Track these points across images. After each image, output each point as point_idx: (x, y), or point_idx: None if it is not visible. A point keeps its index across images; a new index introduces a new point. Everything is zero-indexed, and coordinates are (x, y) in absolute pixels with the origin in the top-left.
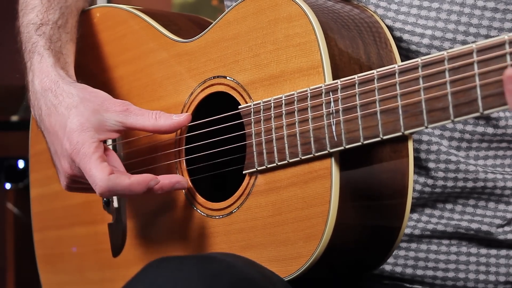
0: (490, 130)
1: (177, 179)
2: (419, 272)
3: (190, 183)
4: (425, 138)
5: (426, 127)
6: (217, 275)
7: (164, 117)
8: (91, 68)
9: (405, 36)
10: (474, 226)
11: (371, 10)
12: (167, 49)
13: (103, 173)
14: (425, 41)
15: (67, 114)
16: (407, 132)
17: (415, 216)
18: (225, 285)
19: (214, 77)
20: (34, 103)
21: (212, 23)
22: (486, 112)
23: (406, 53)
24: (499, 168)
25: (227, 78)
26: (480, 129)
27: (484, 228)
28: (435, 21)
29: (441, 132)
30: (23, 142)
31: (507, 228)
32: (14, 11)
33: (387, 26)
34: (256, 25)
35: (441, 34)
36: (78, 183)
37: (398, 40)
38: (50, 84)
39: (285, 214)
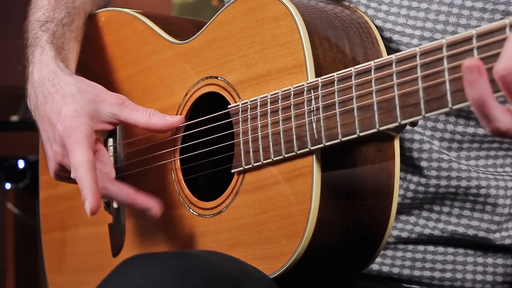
0: (480, 131)
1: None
2: (417, 272)
3: (183, 183)
4: (417, 137)
5: (400, 123)
6: (189, 269)
7: (158, 117)
8: (96, 70)
9: (395, 37)
10: (471, 232)
11: (361, 11)
12: (164, 51)
13: (84, 156)
14: (415, 41)
15: (63, 102)
16: (382, 128)
17: (412, 219)
18: (197, 279)
19: (207, 78)
20: (31, 93)
21: (206, 24)
22: (455, 107)
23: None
24: (491, 169)
25: (219, 78)
26: (470, 129)
27: (481, 234)
28: (424, 21)
29: (432, 133)
30: (23, 142)
31: (504, 233)
32: (15, 13)
33: (377, 26)
34: (246, 25)
35: (430, 35)
36: (66, 171)
37: (388, 40)
38: (49, 74)
39: (270, 212)
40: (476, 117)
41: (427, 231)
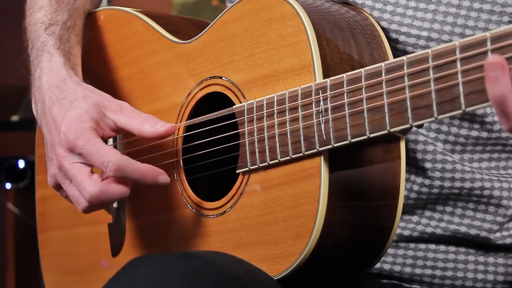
0: (484, 134)
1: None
2: (418, 271)
3: (186, 183)
4: (421, 138)
5: (411, 125)
6: (196, 271)
7: (150, 124)
8: (96, 69)
9: (401, 38)
10: (473, 232)
11: (366, 13)
12: (166, 50)
13: (115, 151)
14: (421, 42)
15: (69, 107)
16: (392, 130)
17: (414, 218)
18: (204, 281)
19: (210, 78)
20: (38, 99)
21: (208, 24)
22: (468, 109)
23: (402, 55)
24: (494, 171)
25: (223, 78)
26: (474, 133)
27: (483, 234)
28: (431, 22)
29: (436, 135)
30: (23, 142)
31: (505, 233)
32: (15, 12)
33: (383, 28)
34: (251, 25)
35: (437, 36)
36: (63, 174)
37: (394, 41)
38: (58, 81)
39: (276, 213)
40: (480, 121)
41: (429, 230)
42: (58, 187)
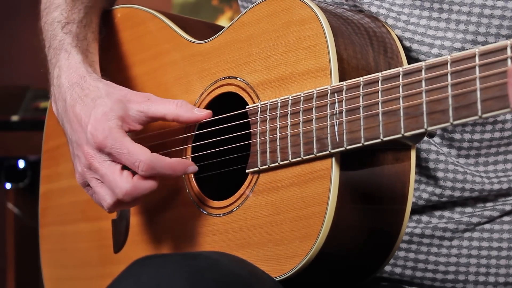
0: (497, 134)
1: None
2: (419, 273)
3: (194, 181)
4: (434, 148)
5: (426, 130)
6: (201, 271)
7: (186, 107)
8: (110, 66)
9: (414, 46)
10: (474, 220)
11: (382, 22)
12: (182, 50)
13: (145, 150)
14: (434, 51)
15: (93, 105)
16: (407, 134)
17: (415, 216)
18: (209, 282)
19: (225, 78)
20: (58, 97)
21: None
22: (485, 115)
23: (414, 63)
24: (510, 172)
25: (238, 78)
26: (487, 135)
27: (487, 213)
28: (444, 31)
29: (450, 143)
30: (23, 142)
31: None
32: (15, 14)
33: (396, 35)
34: (269, 27)
35: (450, 44)
36: (93, 172)
37: (407, 50)
38: (78, 79)
39: (284, 213)
40: (492, 121)
41: (431, 224)
42: (85, 184)
